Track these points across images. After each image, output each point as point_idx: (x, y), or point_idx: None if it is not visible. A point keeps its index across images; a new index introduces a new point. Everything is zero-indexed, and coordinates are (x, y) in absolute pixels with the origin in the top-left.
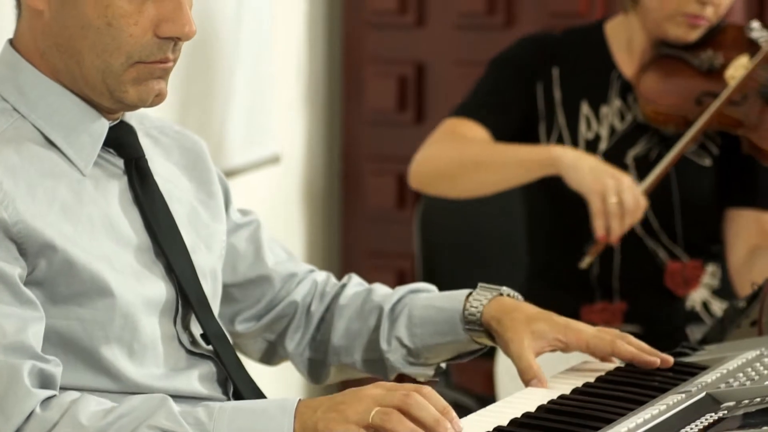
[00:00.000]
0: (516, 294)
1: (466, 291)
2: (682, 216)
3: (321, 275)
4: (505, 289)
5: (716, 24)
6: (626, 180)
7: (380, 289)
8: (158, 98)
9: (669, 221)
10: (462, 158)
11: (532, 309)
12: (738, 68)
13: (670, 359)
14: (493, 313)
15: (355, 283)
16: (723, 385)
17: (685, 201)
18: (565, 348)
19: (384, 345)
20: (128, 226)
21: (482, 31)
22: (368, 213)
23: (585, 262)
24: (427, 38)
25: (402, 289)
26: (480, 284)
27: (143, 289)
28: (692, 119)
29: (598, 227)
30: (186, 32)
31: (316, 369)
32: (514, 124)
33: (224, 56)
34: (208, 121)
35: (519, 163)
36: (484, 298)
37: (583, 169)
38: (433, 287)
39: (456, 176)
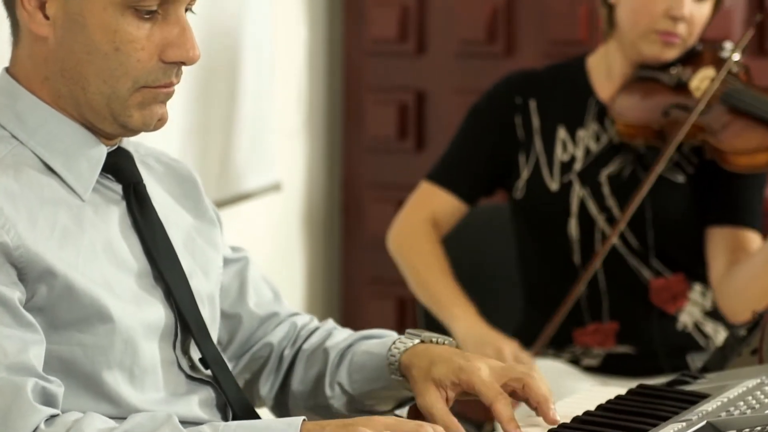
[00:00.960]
0: (442, 339)
1: (395, 337)
2: (655, 232)
3: (302, 319)
4: (427, 335)
5: (693, 47)
6: (507, 348)
7: (339, 335)
8: (160, 122)
9: (643, 237)
10: (413, 266)
11: (438, 352)
12: (702, 79)
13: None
14: (406, 362)
15: (325, 329)
16: (724, 414)
17: (657, 216)
18: (462, 391)
19: (328, 391)
20: (128, 251)
21: (482, 59)
22: (368, 240)
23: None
24: (428, 66)
25: (355, 335)
26: (407, 331)
27: (143, 314)
28: (658, 129)
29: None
30: (191, 56)
31: (283, 413)
32: (485, 179)
33: (225, 85)
34: (209, 149)
35: (435, 304)
36: (403, 346)
37: (469, 342)
38: (390, 333)
39: (407, 274)
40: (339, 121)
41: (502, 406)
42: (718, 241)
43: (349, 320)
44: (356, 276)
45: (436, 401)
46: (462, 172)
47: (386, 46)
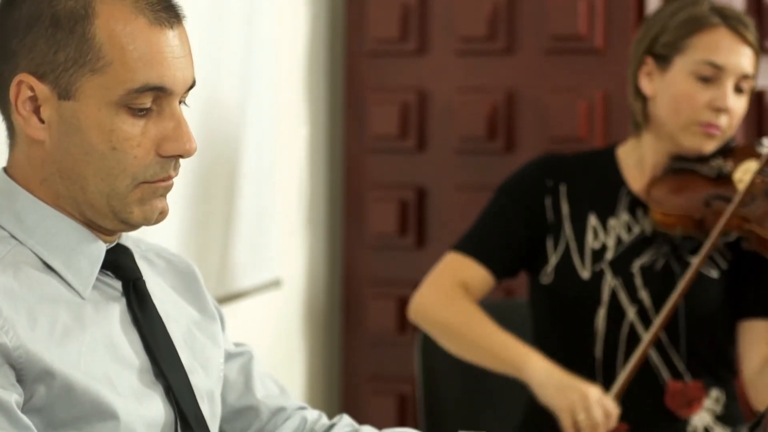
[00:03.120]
0: None
1: None
2: (687, 327)
3: (312, 414)
4: None
5: (728, 143)
6: (593, 393)
7: None
8: (161, 216)
9: (674, 332)
10: (452, 323)
11: None
12: (746, 171)
13: None
14: None
15: (342, 425)
16: None
17: (690, 312)
18: None
19: None
20: (128, 347)
21: (483, 155)
22: (369, 337)
23: None
24: (428, 163)
25: None
26: None
27: (143, 411)
28: (699, 218)
29: None
30: (188, 149)
31: None
32: (515, 256)
33: (226, 181)
34: (209, 246)
35: (496, 356)
36: None
37: (550, 387)
38: None
39: (441, 335)
40: (340, 218)
41: None
42: (753, 334)
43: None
44: (357, 373)
45: None
46: (493, 245)
47: (387, 143)
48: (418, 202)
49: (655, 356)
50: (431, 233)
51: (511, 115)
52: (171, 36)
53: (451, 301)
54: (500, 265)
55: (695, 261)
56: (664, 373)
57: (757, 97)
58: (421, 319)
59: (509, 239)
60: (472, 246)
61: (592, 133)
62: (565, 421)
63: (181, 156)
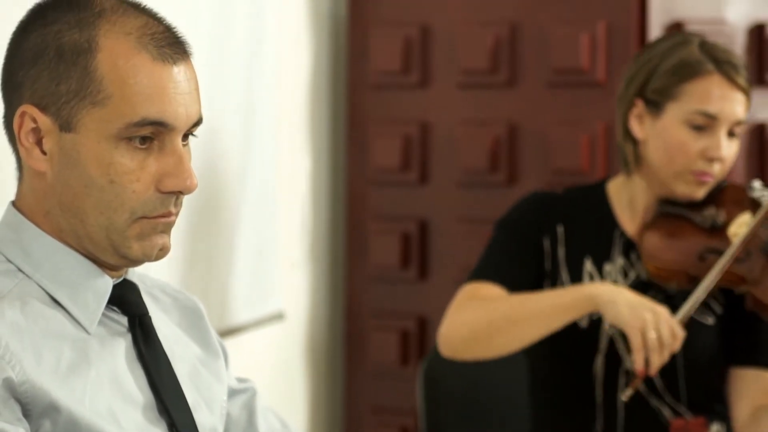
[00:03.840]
0: None
1: None
2: (686, 375)
3: None
4: None
5: (718, 184)
6: (663, 313)
7: None
8: (162, 252)
9: (673, 381)
10: (492, 318)
11: None
12: (741, 225)
13: None
14: None
15: None
16: None
17: (688, 360)
18: None
19: None
20: (133, 383)
21: (485, 188)
22: (371, 369)
23: (626, 395)
24: (430, 195)
25: None
26: None
27: None
28: (694, 274)
29: (638, 362)
30: (188, 186)
31: None
32: (529, 279)
33: (228, 214)
34: (212, 280)
35: (555, 309)
36: None
37: (621, 304)
38: None
39: (490, 337)
40: (342, 251)
41: None
42: (744, 383)
43: None
44: (359, 405)
45: None
46: (507, 269)
47: (389, 175)
48: (420, 234)
49: (654, 400)
50: (433, 265)
51: (513, 147)
52: (175, 72)
53: (479, 308)
54: (515, 283)
55: (682, 312)
56: (666, 412)
57: (758, 131)
58: (456, 345)
59: (518, 263)
60: (486, 272)
61: (594, 165)
62: (635, 340)
63: (181, 192)
